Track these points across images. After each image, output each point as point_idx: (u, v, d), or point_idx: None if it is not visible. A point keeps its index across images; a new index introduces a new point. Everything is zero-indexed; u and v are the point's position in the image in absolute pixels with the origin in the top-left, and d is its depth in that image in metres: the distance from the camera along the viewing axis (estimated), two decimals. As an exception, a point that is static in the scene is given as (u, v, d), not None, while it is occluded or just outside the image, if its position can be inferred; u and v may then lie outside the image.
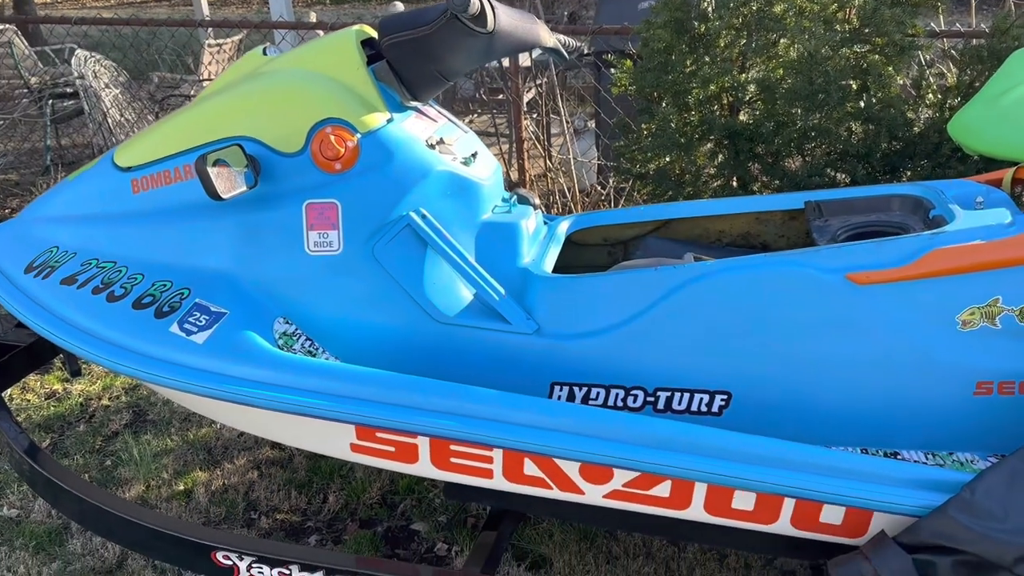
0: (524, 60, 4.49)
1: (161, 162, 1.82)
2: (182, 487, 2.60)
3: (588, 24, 5.87)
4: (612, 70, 3.45)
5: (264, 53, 1.98)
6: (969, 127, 1.91)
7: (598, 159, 4.45)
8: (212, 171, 1.60)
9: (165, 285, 1.77)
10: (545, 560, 2.26)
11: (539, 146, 4.41)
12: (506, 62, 4.35)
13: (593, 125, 5.01)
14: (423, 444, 1.62)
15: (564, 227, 2.15)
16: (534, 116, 5.07)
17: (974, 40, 3.22)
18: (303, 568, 1.65)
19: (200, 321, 1.69)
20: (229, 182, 1.63)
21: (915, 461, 1.60)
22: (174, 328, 1.68)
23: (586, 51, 4.92)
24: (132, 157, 1.87)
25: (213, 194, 1.60)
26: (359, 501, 2.50)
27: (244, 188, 1.67)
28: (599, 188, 4.25)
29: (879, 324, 1.58)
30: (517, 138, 4.26)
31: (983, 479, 1.41)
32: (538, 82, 4.78)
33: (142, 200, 1.84)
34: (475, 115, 5.90)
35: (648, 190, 3.29)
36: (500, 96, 5.38)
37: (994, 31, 2.89)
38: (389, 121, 1.76)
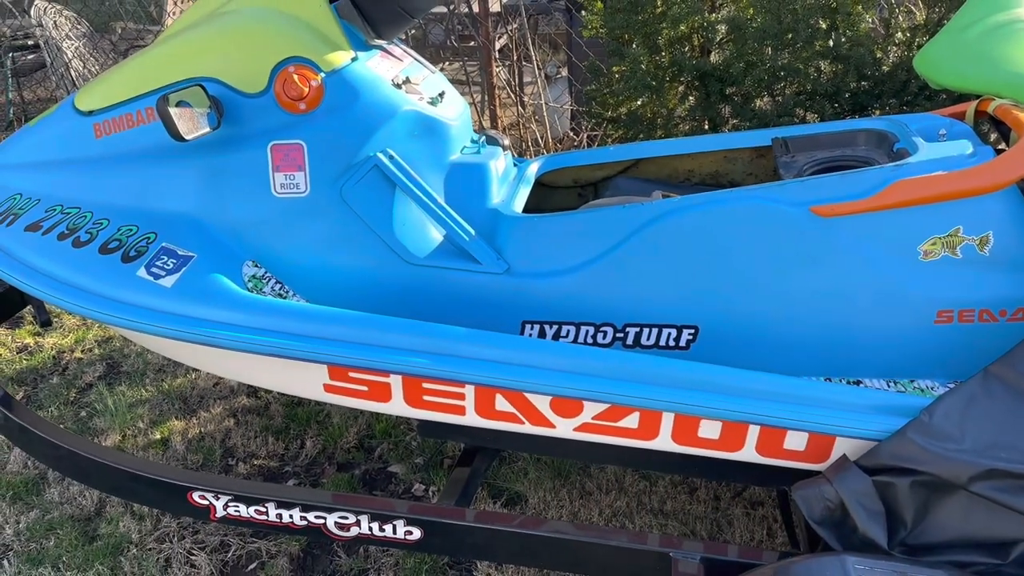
0: (494, 5, 4.42)
1: (122, 105, 1.79)
2: (158, 436, 2.61)
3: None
4: (583, 12, 3.41)
5: (224, -8, 1.94)
6: (934, 61, 1.93)
7: (571, 105, 4.43)
8: (174, 112, 1.57)
9: (131, 229, 1.75)
10: (520, 497, 2.30)
11: (511, 93, 4.37)
12: (476, 6, 4.28)
13: (565, 72, 4.97)
14: (396, 382, 1.64)
15: (534, 168, 2.15)
16: (506, 63, 5.01)
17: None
18: (279, 505, 1.67)
19: (168, 265, 1.68)
20: (192, 123, 1.61)
21: (877, 389, 1.63)
22: (141, 272, 1.67)
23: (557, -5, 4.85)
24: (93, 101, 1.84)
25: (175, 135, 1.58)
26: (336, 446, 2.53)
27: (207, 129, 1.64)
28: (572, 135, 4.23)
29: (843, 256, 1.60)
30: (488, 85, 4.21)
31: (941, 403, 1.45)
32: (509, 28, 4.71)
33: (105, 144, 1.82)
34: (446, 63, 5.81)
35: (620, 134, 3.29)
36: (471, 43, 5.30)
37: (962, -32, 2.88)
38: (353, 60, 1.73)
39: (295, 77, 1.67)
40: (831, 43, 2.84)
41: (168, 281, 1.66)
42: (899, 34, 2.96)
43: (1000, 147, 1.79)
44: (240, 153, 1.72)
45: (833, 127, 1.96)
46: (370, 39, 1.82)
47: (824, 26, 2.86)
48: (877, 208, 1.56)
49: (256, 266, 1.75)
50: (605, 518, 2.22)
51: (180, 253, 1.70)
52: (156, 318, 1.64)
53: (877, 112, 2.85)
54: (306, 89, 1.68)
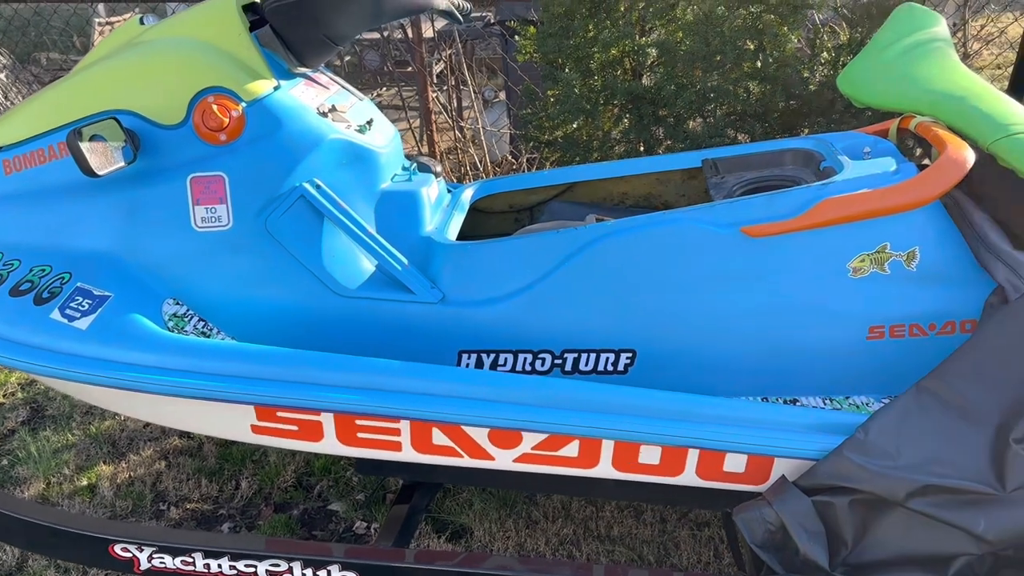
0: (428, 30, 4.41)
1: (33, 140, 1.71)
2: (85, 482, 2.49)
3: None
4: (516, 37, 3.42)
5: (141, 22, 1.88)
6: (856, 81, 1.96)
7: (509, 129, 4.43)
8: (85, 146, 1.51)
9: (44, 270, 1.67)
10: (465, 530, 2.25)
11: (449, 118, 4.36)
12: (411, 31, 4.26)
13: (503, 96, 4.98)
14: (327, 421, 1.58)
15: (468, 194, 2.13)
16: (443, 88, 4.99)
17: (865, -1, 3.30)
18: (207, 555, 1.59)
19: (82, 306, 1.60)
20: (104, 157, 1.54)
21: (813, 407, 1.64)
22: (55, 315, 1.59)
23: (492, 20, 4.87)
24: (1, 136, 1.75)
25: (87, 171, 1.51)
26: (273, 485, 2.44)
27: (122, 164, 1.58)
28: (511, 159, 4.23)
29: (774, 275, 1.61)
30: (424, 110, 4.19)
31: (876, 419, 1.46)
32: (446, 53, 4.71)
33: (15, 181, 1.73)
34: (384, 88, 5.78)
35: (556, 157, 3.29)
36: (409, 68, 5.28)
37: (882, -12, 2.96)
38: (276, 89, 1.69)
39: (214, 107, 1.62)
40: (759, 64, 2.88)
41: (83, 323, 1.58)
42: (825, 54, 3.03)
43: (925, 162, 1.82)
44: (158, 187, 1.66)
45: (761, 147, 1.98)
46: (293, 67, 1.78)
47: (752, 47, 2.91)
48: (805, 227, 1.57)
49: (177, 304, 1.68)
50: (552, 547, 2.18)
51: (96, 293, 1.62)
52: (71, 362, 1.56)
53: (806, 131, 2.90)
54: (226, 119, 1.63)
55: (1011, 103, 1.73)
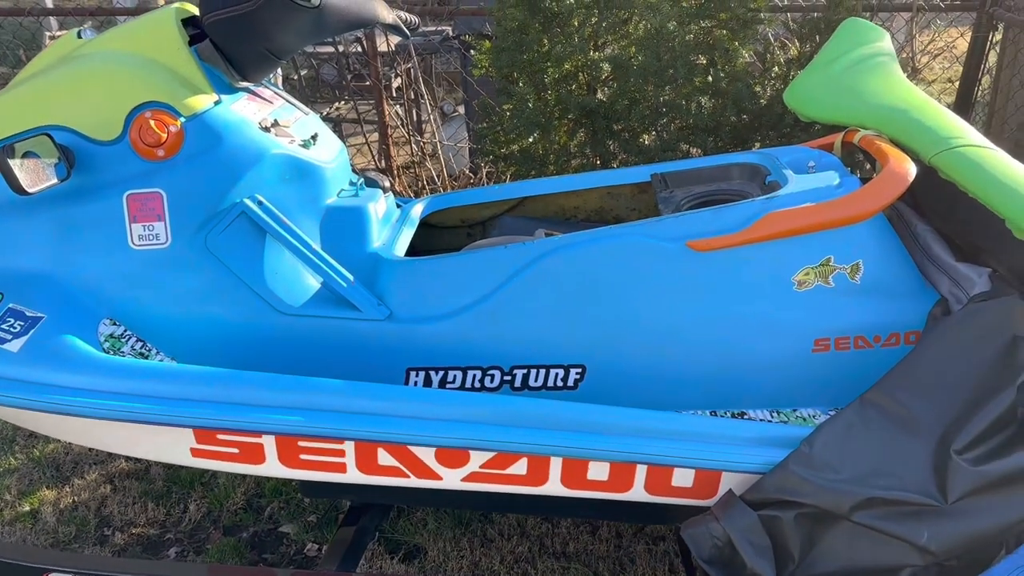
0: (383, 45, 4.40)
1: (-38, 158, 1.66)
2: (27, 508, 2.42)
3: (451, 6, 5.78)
4: (472, 52, 3.42)
5: (79, 36, 1.83)
6: (802, 95, 1.98)
7: (468, 143, 4.42)
8: (15, 163, 1.47)
9: (-26, 291, 1.62)
10: (419, 550, 2.22)
11: (406, 133, 4.33)
12: (366, 45, 4.24)
13: (462, 110, 4.97)
14: (269, 443, 1.54)
15: (418, 209, 2.11)
16: (401, 103, 4.97)
17: (815, 14, 3.35)
18: (144, 584, 1.55)
19: (14, 327, 1.55)
20: (36, 175, 1.50)
21: (761, 420, 1.64)
22: (-16, 337, 1.54)
23: (450, 35, 4.87)
24: (-69, 154, 1.70)
25: (17, 188, 1.47)
26: (223, 508, 2.39)
27: (54, 181, 1.54)
28: (470, 173, 4.21)
29: (720, 289, 1.61)
30: (381, 124, 4.16)
31: (820, 433, 1.46)
32: (399, 68, 4.69)
33: (-57, 200, 1.67)
34: (342, 102, 5.73)
35: (513, 171, 3.28)
36: (367, 83, 5.24)
37: (830, 3, 3.01)
38: (216, 103, 1.66)
39: (152, 123, 1.59)
40: (710, 79, 2.91)
41: (15, 345, 1.53)
42: (776, 68, 3.06)
43: (873, 176, 1.83)
44: (93, 204, 1.61)
45: (708, 162, 1.99)
46: (235, 82, 1.75)
47: (703, 62, 2.94)
48: (750, 241, 1.58)
49: (114, 324, 1.64)
50: (507, 566, 2.15)
51: (28, 314, 1.57)
52: (1, 386, 1.51)
53: (758, 144, 2.93)
54: (164, 135, 1.59)
55: (952, 117, 1.75)
